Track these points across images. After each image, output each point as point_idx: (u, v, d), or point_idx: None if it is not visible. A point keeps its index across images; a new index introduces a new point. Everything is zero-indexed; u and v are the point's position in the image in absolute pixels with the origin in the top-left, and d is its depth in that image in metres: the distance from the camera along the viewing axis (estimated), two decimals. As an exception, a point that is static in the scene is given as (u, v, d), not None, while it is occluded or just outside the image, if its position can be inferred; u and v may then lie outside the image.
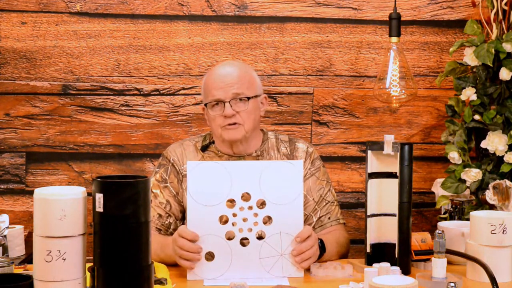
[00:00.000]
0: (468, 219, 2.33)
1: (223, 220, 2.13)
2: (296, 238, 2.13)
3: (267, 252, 2.13)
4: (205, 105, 2.44)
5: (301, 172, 2.14)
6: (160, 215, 2.40)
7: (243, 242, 2.14)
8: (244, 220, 2.13)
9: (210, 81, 2.43)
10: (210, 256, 2.13)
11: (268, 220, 2.14)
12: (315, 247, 2.16)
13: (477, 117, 2.86)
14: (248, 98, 2.40)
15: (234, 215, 2.12)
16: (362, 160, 3.20)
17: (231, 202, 2.13)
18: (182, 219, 2.44)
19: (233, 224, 2.12)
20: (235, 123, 2.38)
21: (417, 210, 3.25)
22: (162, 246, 2.24)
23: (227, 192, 2.11)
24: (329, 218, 2.45)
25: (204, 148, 2.48)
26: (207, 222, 2.11)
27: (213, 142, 2.48)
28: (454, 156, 2.87)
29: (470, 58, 2.87)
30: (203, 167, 2.13)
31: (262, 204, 2.13)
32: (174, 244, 2.13)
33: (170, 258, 2.19)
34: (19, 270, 2.12)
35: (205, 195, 2.11)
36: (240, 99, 2.39)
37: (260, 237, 2.14)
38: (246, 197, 2.13)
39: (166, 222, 2.41)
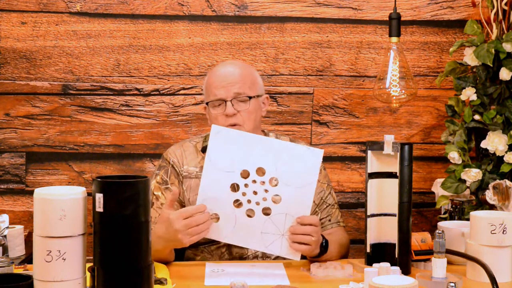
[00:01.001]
0: (468, 219, 2.33)
1: (234, 188, 2.15)
2: (297, 219, 2.14)
3: (269, 228, 2.16)
4: (207, 104, 2.44)
5: (319, 161, 2.13)
6: (161, 217, 2.40)
7: (249, 213, 2.16)
8: (255, 193, 2.15)
9: (212, 80, 2.43)
10: (215, 218, 2.16)
11: (277, 198, 2.15)
12: (314, 239, 2.15)
13: (477, 117, 2.86)
14: (250, 98, 2.40)
15: (246, 185, 2.15)
16: (362, 160, 3.20)
17: (246, 172, 2.14)
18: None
19: (243, 194, 2.15)
20: (236, 124, 2.38)
21: (417, 210, 3.25)
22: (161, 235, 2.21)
23: (244, 163, 2.14)
24: (329, 220, 2.46)
25: (204, 149, 2.47)
26: (219, 185, 2.14)
27: None
28: (454, 156, 2.87)
29: (470, 58, 2.87)
30: (227, 134, 2.15)
31: (275, 182, 2.14)
32: (178, 226, 2.09)
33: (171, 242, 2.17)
34: (19, 270, 2.12)
35: (222, 160, 2.13)
36: (242, 99, 2.39)
37: (266, 213, 2.16)
38: (261, 171, 2.14)
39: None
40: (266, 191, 2.15)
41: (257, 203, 2.16)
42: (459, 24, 3.17)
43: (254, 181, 2.14)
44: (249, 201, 2.16)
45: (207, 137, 2.52)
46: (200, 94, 3.08)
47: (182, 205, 2.43)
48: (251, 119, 2.40)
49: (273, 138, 2.51)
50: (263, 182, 2.14)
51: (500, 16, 2.87)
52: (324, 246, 2.23)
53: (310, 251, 2.18)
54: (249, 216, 2.16)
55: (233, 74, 2.41)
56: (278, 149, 2.13)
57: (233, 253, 2.38)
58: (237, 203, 2.16)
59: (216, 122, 2.40)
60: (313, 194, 2.15)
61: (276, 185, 2.14)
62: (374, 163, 2.26)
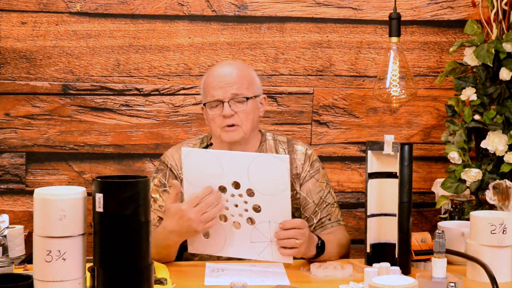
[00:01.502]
0: (468, 219, 2.33)
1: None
2: (279, 225, 2.16)
3: (257, 237, 2.19)
4: (204, 105, 2.44)
5: (287, 167, 2.13)
6: (160, 218, 2.40)
7: (235, 225, 2.19)
8: (236, 205, 2.18)
9: (209, 81, 2.43)
10: (206, 235, 2.21)
11: (258, 207, 2.17)
12: (299, 241, 2.15)
13: (477, 117, 2.86)
14: (247, 99, 2.40)
15: (226, 200, 2.17)
16: (362, 160, 3.20)
17: (223, 188, 2.16)
18: None
19: (226, 208, 2.18)
20: (233, 125, 2.38)
21: (417, 210, 3.25)
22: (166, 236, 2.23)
23: (219, 179, 2.16)
24: (329, 219, 2.45)
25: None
26: None
27: (211, 144, 2.47)
28: (454, 156, 2.87)
29: (470, 58, 2.87)
30: (196, 154, 2.17)
31: (251, 193, 2.16)
32: (191, 215, 2.12)
33: (176, 243, 2.22)
34: (19, 270, 2.12)
35: (199, 179, 2.16)
36: (239, 100, 2.39)
37: (251, 223, 2.19)
38: (236, 185, 2.16)
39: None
40: (245, 202, 2.17)
41: (240, 215, 2.19)
42: (459, 24, 3.17)
43: (232, 195, 2.17)
44: (232, 214, 2.19)
45: (204, 139, 2.52)
46: (200, 94, 3.07)
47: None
48: (249, 120, 2.40)
49: (271, 136, 2.52)
50: (241, 195, 2.16)
51: (500, 16, 2.87)
52: (320, 247, 2.23)
53: (301, 253, 2.19)
54: (236, 227, 2.20)
55: (231, 75, 2.41)
56: (247, 161, 2.14)
57: (231, 253, 2.39)
58: (222, 218, 2.20)
59: (214, 123, 2.40)
60: (289, 199, 2.15)
61: (253, 195, 2.16)
62: (374, 163, 2.26)
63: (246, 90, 2.40)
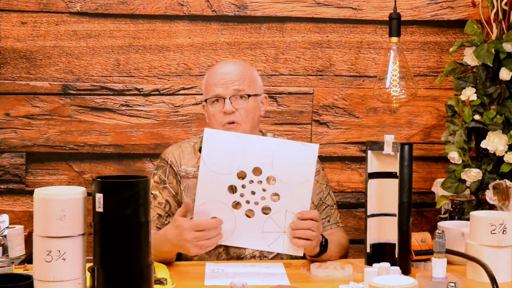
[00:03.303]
0: (468, 219, 2.33)
1: (232, 189, 2.15)
2: (297, 214, 2.15)
3: (270, 227, 2.16)
4: (206, 101, 2.44)
5: (315, 156, 2.13)
6: (159, 215, 2.40)
7: (248, 214, 2.16)
8: (253, 193, 2.15)
9: (211, 77, 2.43)
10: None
11: (275, 196, 2.15)
12: (315, 234, 2.16)
13: (477, 117, 2.86)
14: (249, 96, 2.40)
15: (243, 186, 2.15)
16: (362, 160, 3.20)
17: (242, 173, 2.14)
18: None
19: (241, 195, 2.15)
20: (233, 122, 2.38)
21: (417, 210, 3.25)
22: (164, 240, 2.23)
23: (239, 164, 2.13)
24: (328, 221, 2.45)
25: (201, 149, 2.47)
26: (216, 189, 2.14)
27: None
28: (454, 156, 2.87)
29: (470, 58, 2.87)
30: (220, 136, 2.15)
31: (272, 181, 2.14)
32: (189, 237, 2.11)
33: (174, 249, 2.21)
34: (19, 270, 2.12)
35: (217, 163, 2.13)
36: (241, 96, 2.39)
37: (265, 212, 2.16)
38: (257, 171, 2.14)
39: (166, 222, 2.40)
40: (264, 190, 2.15)
41: (256, 203, 2.16)
42: (459, 24, 3.17)
43: (252, 181, 2.14)
44: (247, 202, 2.16)
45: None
46: (200, 94, 3.07)
47: (180, 204, 2.42)
48: (249, 118, 2.40)
49: (271, 136, 2.51)
50: (261, 182, 2.14)
51: (500, 16, 2.87)
52: (324, 245, 2.23)
53: (312, 246, 2.18)
54: (248, 216, 2.17)
55: (233, 72, 2.41)
56: (273, 147, 2.13)
57: (230, 253, 2.38)
58: (236, 205, 2.16)
59: (214, 120, 2.40)
60: (311, 189, 2.14)
61: (273, 183, 2.14)
62: (374, 163, 2.26)
63: (248, 87, 2.40)
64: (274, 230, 2.16)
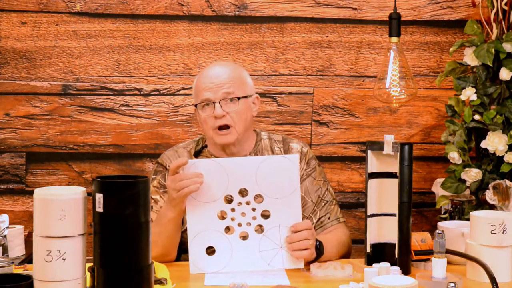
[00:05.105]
0: (468, 219, 2.33)
1: (222, 216, 2.15)
2: (291, 228, 2.15)
3: (266, 245, 2.16)
4: (196, 106, 2.44)
5: (297, 166, 2.14)
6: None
7: (243, 236, 2.16)
8: (243, 214, 2.15)
9: (200, 81, 2.43)
10: (211, 251, 2.16)
11: (267, 213, 2.15)
12: (311, 242, 2.16)
13: (477, 117, 2.86)
14: (239, 98, 2.39)
15: (233, 210, 2.15)
16: (362, 160, 3.20)
17: (229, 197, 2.15)
18: (182, 221, 2.43)
19: (232, 219, 2.16)
20: (227, 127, 2.37)
21: (417, 210, 3.25)
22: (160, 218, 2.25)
23: (225, 188, 2.13)
24: (328, 218, 2.45)
25: (197, 154, 2.47)
26: (206, 218, 2.14)
27: (206, 146, 2.47)
28: (454, 156, 2.87)
29: (470, 58, 2.87)
30: (200, 164, 2.14)
31: (259, 199, 2.14)
32: (168, 182, 2.16)
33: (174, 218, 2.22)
34: (19, 270, 2.12)
35: (203, 192, 2.13)
36: (231, 100, 2.38)
37: (259, 231, 2.16)
38: (243, 192, 2.14)
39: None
40: (253, 209, 2.15)
41: (248, 224, 2.16)
42: (459, 24, 3.17)
43: (240, 203, 2.15)
44: (239, 225, 2.16)
45: (199, 141, 2.51)
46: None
47: None
48: (242, 120, 2.38)
49: (266, 136, 2.51)
50: (248, 202, 2.15)
51: (500, 16, 2.87)
52: (318, 248, 2.23)
53: (310, 254, 2.19)
54: (244, 238, 2.17)
55: (222, 75, 2.40)
56: (254, 165, 2.13)
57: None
58: (229, 230, 2.16)
59: (205, 124, 2.39)
60: (299, 200, 2.15)
61: (261, 201, 2.15)
62: (374, 163, 2.26)
63: (237, 89, 2.39)
64: (270, 247, 2.16)
